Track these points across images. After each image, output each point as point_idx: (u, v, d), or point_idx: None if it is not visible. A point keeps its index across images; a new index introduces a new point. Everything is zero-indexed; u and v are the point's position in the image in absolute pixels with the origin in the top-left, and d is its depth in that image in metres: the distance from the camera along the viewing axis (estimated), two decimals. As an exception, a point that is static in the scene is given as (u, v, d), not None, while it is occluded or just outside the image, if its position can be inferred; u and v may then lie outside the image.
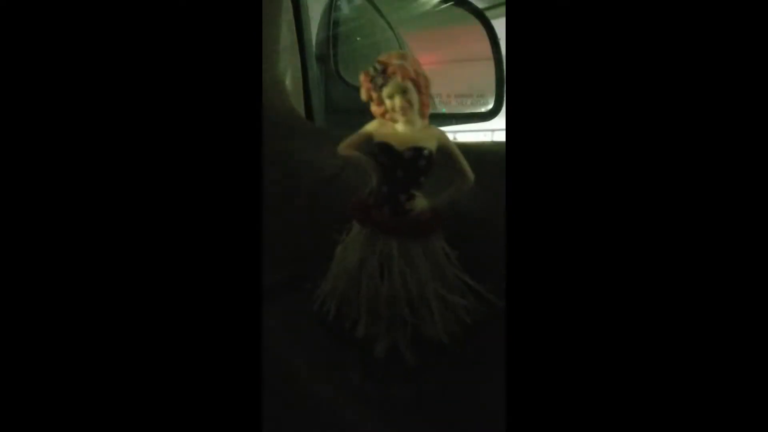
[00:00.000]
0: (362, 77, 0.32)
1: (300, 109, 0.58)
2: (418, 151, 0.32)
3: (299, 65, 0.57)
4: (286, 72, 0.56)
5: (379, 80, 0.31)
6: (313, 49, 0.60)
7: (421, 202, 0.33)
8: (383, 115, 0.33)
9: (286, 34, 0.56)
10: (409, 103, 0.31)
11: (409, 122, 0.32)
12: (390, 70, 0.31)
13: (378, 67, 0.31)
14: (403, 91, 0.31)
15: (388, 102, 0.32)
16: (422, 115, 0.33)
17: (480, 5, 0.75)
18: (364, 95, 0.33)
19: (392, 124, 0.33)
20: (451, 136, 0.35)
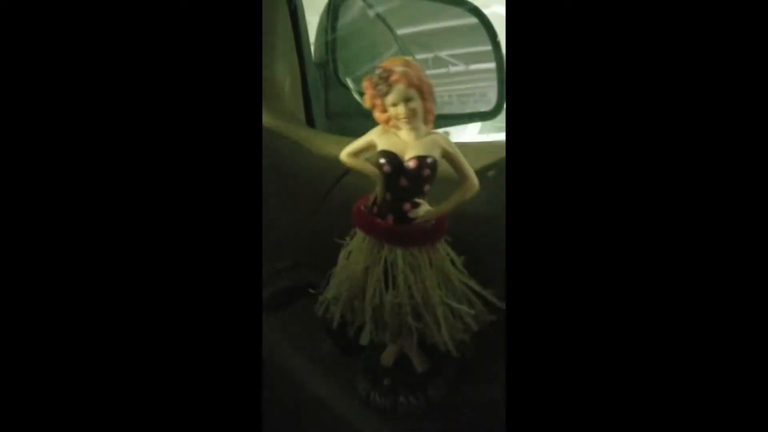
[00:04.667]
0: (365, 84, 0.31)
1: (300, 114, 0.58)
2: (422, 159, 0.31)
3: (298, 71, 0.57)
4: (285, 78, 0.56)
5: (383, 88, 0.30)
6: (312, 54, 0.60)
7: (425, 210, 0.32)
8: (387, 122, 0.32)
9: (285, 40, 0.56)
10: (414, 110, 0.30)
11: (413, 129, 0.31)
12: (393, 77, 0.30)
13: (381, 74, 0.30)
14: (408, 99, 0.30)
15: (392, 110, 0.31)
16: (426, 121, 0.32)
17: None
18: (367, 102, 0.32)
19: (395, 131, 0.32)
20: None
